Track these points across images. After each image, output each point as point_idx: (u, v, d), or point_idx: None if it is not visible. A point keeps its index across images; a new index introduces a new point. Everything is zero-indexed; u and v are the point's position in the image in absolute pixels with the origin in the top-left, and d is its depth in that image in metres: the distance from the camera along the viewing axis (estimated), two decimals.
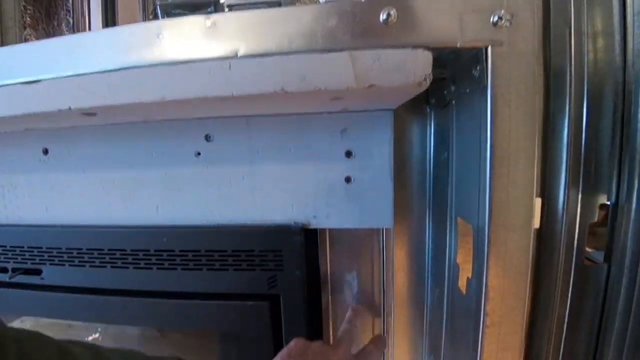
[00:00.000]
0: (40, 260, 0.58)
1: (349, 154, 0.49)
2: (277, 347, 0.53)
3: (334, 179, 0.49)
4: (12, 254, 0.60)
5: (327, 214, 0.50)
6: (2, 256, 0.60)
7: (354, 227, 0.50)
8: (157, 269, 0.53)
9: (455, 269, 0.41)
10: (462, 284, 0.38)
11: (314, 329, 0.55)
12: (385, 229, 0.52)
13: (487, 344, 0.32)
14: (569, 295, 0.45)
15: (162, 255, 0.53)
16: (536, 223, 0.49)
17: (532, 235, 0.31)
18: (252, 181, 0.50)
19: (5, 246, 0.60)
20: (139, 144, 0.53)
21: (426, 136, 0.51)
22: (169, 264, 0.53)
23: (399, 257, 0.53)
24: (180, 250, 0.52)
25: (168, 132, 0.52)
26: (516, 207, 0.30)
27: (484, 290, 0.31)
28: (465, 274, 0.37)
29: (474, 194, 0.34)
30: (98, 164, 0.55)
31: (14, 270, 0.60)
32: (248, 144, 0.50)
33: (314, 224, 0.51)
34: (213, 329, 0.57)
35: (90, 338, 0.70)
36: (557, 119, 0.47)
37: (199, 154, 0.51)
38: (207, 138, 0.51)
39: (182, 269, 0.53)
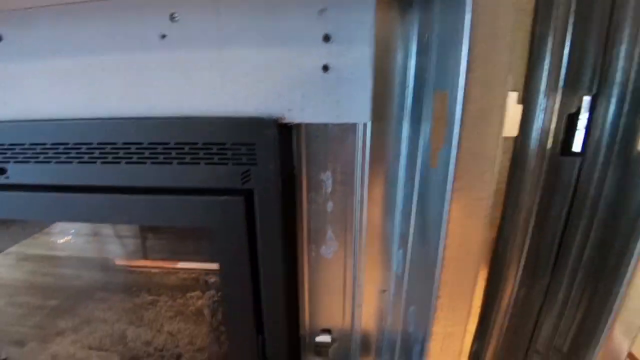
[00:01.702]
0: (4, 158, 0.56)
1: (327, 38, 0.45)
2: (252, 242, 0.54)
3: (310, 67, 0.47)
4: None
5: (302, 107, 0.48)
6: None
7: (330, 122, 0.49)
8: (126, 163, 0.52)
9: (427, 151, 0.40)
10: (433, 162, 0.37)
11: (287, 225, 0.55)
12: (363, 127, 0.51)
13: (454, 210, 0.32)
14: (541, 183, 0.45)
15: (129, 148, 0.51)
16: (514, 130, 0.48)
17: (507, 94, 0.29)
18: (221, 68, 0.47)
19: None
20: (99, 27, 0.48)
21: (412, 23, 0.47)
22: (138, 158, 0.51)
23: (375, 158, 0.52)
24: (149, 143, 0.50)
25: (130, 12, 0.47)
26: (495, 62, 0.28)
27: (454, 153, 0.31)
28: (437, 151, 0.36)
29: (453, 61, 0.32)
30: (57, 51, 0.50)
31: None
32: (217, 25, 0.46)
33: (289, 117, 0.48)
34: (186, 225, 0.57)
35: (61, 240, 0.70)
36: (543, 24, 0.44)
37: (164, 36, 0.47)
38: (172, 18, 0.46)
39: (152, 162, 0.51)
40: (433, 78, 0.39)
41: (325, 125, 0.51)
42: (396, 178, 0.52)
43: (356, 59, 0.46)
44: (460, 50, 0.29)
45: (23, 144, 0.54)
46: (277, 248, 0.54)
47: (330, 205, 0.55)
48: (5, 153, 0.56)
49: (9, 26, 0.51)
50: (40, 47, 0.51)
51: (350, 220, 0.55)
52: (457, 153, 0.30)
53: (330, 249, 0.57)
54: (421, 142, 0.44)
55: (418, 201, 0.45)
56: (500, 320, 0.52)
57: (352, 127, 0.51)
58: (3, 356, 0.86)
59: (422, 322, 0.42)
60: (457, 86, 0.29)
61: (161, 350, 0.83)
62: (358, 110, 0.48)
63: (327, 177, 0.53)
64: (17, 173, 0.56)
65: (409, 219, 0.47)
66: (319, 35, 0.45)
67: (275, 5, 0.44)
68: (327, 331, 0.62)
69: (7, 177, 0.57)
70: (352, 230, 0.55)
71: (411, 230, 0.46)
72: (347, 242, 0.56)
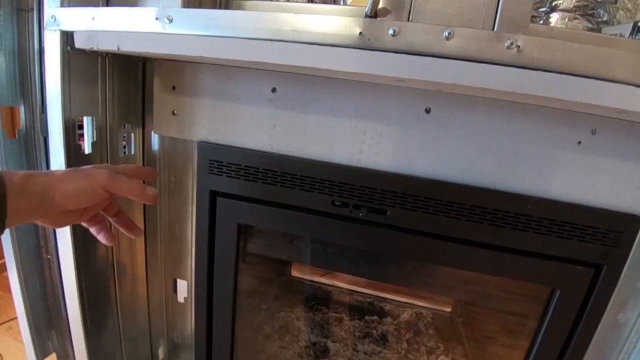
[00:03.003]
0: (390, 202, 0.67)
1: None
2: (583, 306, 0.67)
3: None
4: (358, 193, 0.68)
5: None
6: (347, 193, 0.69)
7: None
8: (511, 229, 0.65)
9: None
10: None
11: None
12: None
13: None
14: None
15: (520, 218, 0.64)
16: None
17: None
18: (622, 174, 0.62)
19: (354, 185, 0.68)
20: (526, 123, 0.62)
21: None
22: (523, 226, 0.64)
23: None
24: (538, 217, 0.64)
25: (554, 118, 0.61)
26: None
27: None
28: None
29: None
30: (477, 131, 0.63)
31: (355, 207, 0.69)
32: (626, 142, 0.61)
33: None
34: (532, 281, 0.70)
35: None
36: None
37: (579, 142, 0.62)
38: (593, 132, 0.61)
39: (534, 232, 0.64)
40: None
41: None
42: None
43: None
44: None
45: (418, 195, 0.66)
46: (601, 311, 0.68)
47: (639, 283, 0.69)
48: (392, 199, 0.67)
49: (438, 102, 0.64)
50: (463, 125, 0.64)
51: None
52: None
53: (626, 316, 0.71)
54: None
55: None
56: None
57: None
58: None
59: None
60: None
61: None
62: None
63: None
64: (394, 215, 0.68)
65: None
66: None
67: None
68: None
69: (387, 218, 0.68)
70: None
71: None
72: None
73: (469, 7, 0.45)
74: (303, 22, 0.48)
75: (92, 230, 0.53)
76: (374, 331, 1.11)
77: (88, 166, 0.49)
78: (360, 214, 0.68)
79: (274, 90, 0.69)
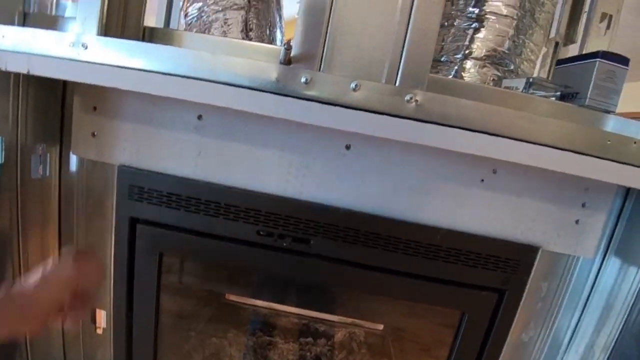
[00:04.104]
0: (313, 232, 0.69)
1: (583, 205, 0.70)
2: (490, 325, 0.73)
3: (568, 219, 0.70)
4: (284, 222, 0.70)
5: (555, 242, 0.71)
6: (272, 223, 0.70)
7: (569, 253, 0.72)
8: (423, 257, 0.69)
9: None
10: None
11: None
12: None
13: None
14: None
15: (430, 248, 0.69)
16: None
17: None
18: (520, 209, 0.69)
19: (279, 215, 0.69)
20: (436, 162, 0.67)
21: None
22: (433, 255, 0.69)
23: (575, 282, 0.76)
24: (447, 247, 0.69)
25: (460, 159, 0.67)
26: None
27: None
28: None
29: None
30: (393, 167, 0.68)
31: (280, 236, 0.70)
32: (523, 182, 0.68)
33: (545, 246, 0.71)
34: (443, 305, 0.74)
35: None
36: None
37: (482, 180, 0.68)
38: (494, 172, 0.67)
39: (443, 260, 0.69)
40: None
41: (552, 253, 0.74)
42: (580, 295, 0.77)
43: (598, 219, 0.70)
44: None
45: (336, 225, 0.69)
46: (506, 332, 0.74)
47: (539, 305, 0.77)
48: (315, 228, 0.69)
49: (359, 140, 0.67)
50: (384, 164, 0.67)
51: (549, 315, 0.78)
52: None
53: (528, 335, 0.78)
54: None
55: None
56: None
57: (565, 257, 0.75)
58: None
59: None
60: None
61: None
62: (587, 250, 0.72)
63: (544, 286, 0.76)
64: (317, 245, 0.70)
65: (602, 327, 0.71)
66: (579, 202, 0.69)
67: (560, 178, 0.67)
68: None
69: (310, 247, 0.70)
70: (549, 323, 0.78)
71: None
72: (542, 332, 0.78)
73: (375, 62, 0.49)
74: (221, 62, 0.49)
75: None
76: (308, 353, 1.12)
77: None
78: (285, 244, 0.70)
79: (200, 117, 0.69)
